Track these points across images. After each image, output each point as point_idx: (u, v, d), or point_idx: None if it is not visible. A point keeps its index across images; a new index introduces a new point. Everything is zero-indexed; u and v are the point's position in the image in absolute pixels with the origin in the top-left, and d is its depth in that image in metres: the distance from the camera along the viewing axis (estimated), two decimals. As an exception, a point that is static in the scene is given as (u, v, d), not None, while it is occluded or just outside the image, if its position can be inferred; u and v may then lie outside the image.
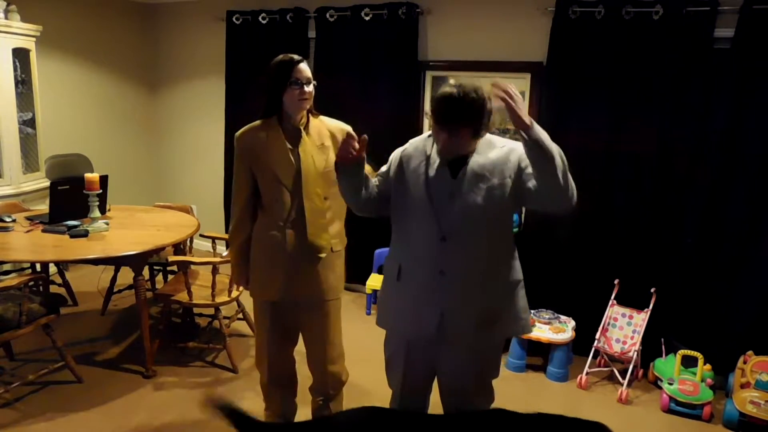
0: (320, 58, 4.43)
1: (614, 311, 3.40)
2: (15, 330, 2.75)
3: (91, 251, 2.97)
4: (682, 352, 3.13)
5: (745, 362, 3.03)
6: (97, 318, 3.93)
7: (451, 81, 1.74)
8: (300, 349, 2.46)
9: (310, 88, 2.13)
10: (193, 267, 3.54)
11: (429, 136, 1.92)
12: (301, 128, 2.19)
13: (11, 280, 2.94)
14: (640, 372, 3.38)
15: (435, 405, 2.13)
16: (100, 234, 3.23)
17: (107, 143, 5.32)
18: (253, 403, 2.81)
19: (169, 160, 5.77)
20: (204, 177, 5.46)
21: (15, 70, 4.06)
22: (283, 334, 2.42)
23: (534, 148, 1.59)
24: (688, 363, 3.14)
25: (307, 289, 2.28)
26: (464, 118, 1.70)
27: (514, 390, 3.22)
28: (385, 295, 2.05)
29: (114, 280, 3.96)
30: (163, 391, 3.06)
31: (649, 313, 3.28)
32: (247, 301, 2.69)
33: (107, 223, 3.37)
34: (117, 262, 3.29)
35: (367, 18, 4.15)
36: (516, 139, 1.72)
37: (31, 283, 3.03)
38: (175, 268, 3.87)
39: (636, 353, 3.22)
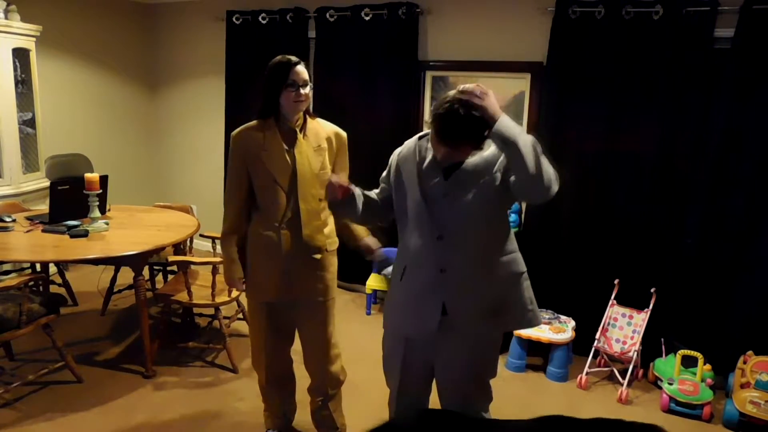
0: (320, 58, 4.43)
1: (614, 311, 3.40)
2: (15, 330, 2.75)
3: (91, 251, 2.97)
4: (682, 352, 3.13)
5: (745, 362, 3.03)
6: (97, 318, 3.93)
7: (451, 92, 1.72)
8: (297, 348, 2.47)
9: (306, 90, 2.13)
10: (193, 267, 3.54)
11: (421, 137, 1.93)
12: (297, 130, 2.20)
13: (11, 280, 2.94)
14: (640, 372, 3.38)
15: (434, 405, 2.13)
16: (100, 234, 3.23)
17: (107, 143, 5.32)
18: (253, 404, 2.82)
19: (169, 160, 5.77)
20: (204, 177, 5.46)
21: (15, 70, 4.06)
22: (280, 334, 2.42)
23: (497, 140, 1.62)
24: (688, 363, 3.14)
25: (303, 289, 2.28)
26: (467, 136, 1.70)
27: (514, 390, 3.22)
28: (389, 296, 2.07)
29: (114, 280, 3.96)
30: (163, 391, 3.06)
31: (649, 313, 3.28)
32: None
33: (107, 223, 3.37)
34: (117, 262, 3.29)
35: (367, 18, 4.15)
36: None
37: (31, 283, 3.03)
38: (175, 268, 3.87)
39: (636, 353, 3.22)
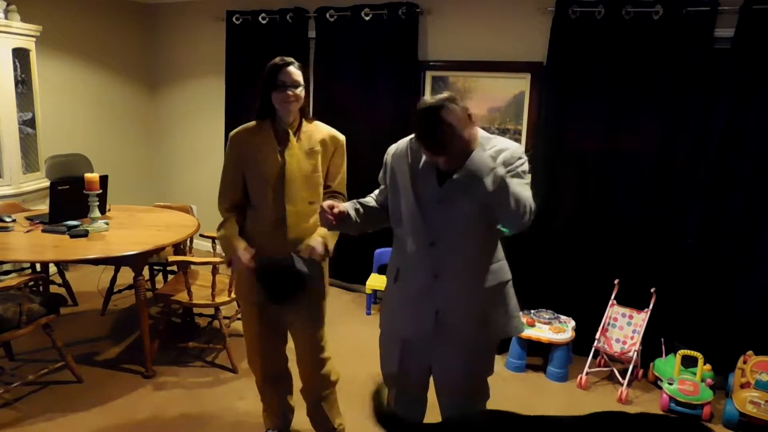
0: (320, 58, 4.44)
1: (614, 311, 3.40)
2: (15, 330, 2.75)
3: (91, 251, 2.98)
4: (682, 352, 3.13)
5: (745, 362, 3.03)
6: (97, 318, 3.93)
7: (428, 99, 1.67)
8: (292, 347, 2.46)
9: (297, 91, 2.12)
10: (193, 267, 3.54)
11: (413, 138, 1.90)
12: (291, 131, 2.20)
13: (11, 280, 2.94)
14: (640, 372, 3.38)
15: (433, 406, 2.13)
16: (100, 234, 3.23)
17: (107, 143, 5.32)
18: (253, 403, 2.81)
19: (168, 160, 5.77)
20: (204, 177, 5.46)
21: (15, 70, 4.06)
22: (273, 335, 2.43)
23: (468, 175, 1.61)
24: (688, 363, 3.14)
25: None
26: (439, 150, 1.66)
27: (514, 390, 3.22)
28: (385, 297, 2.08)
29: (114, 280, 3.96)
30: (163, 391, 3.06)
31: (649, 313, 3.28)
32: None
33: (107, 223, 3.37)
34: (117, 262, 3.29)
35: (367, 18, 4.15)
36: (516, 139, 1.72)
37: (31, 283, 3.03)
38: (175, 268, 3.87)
39: (636, 353, 3.22)
